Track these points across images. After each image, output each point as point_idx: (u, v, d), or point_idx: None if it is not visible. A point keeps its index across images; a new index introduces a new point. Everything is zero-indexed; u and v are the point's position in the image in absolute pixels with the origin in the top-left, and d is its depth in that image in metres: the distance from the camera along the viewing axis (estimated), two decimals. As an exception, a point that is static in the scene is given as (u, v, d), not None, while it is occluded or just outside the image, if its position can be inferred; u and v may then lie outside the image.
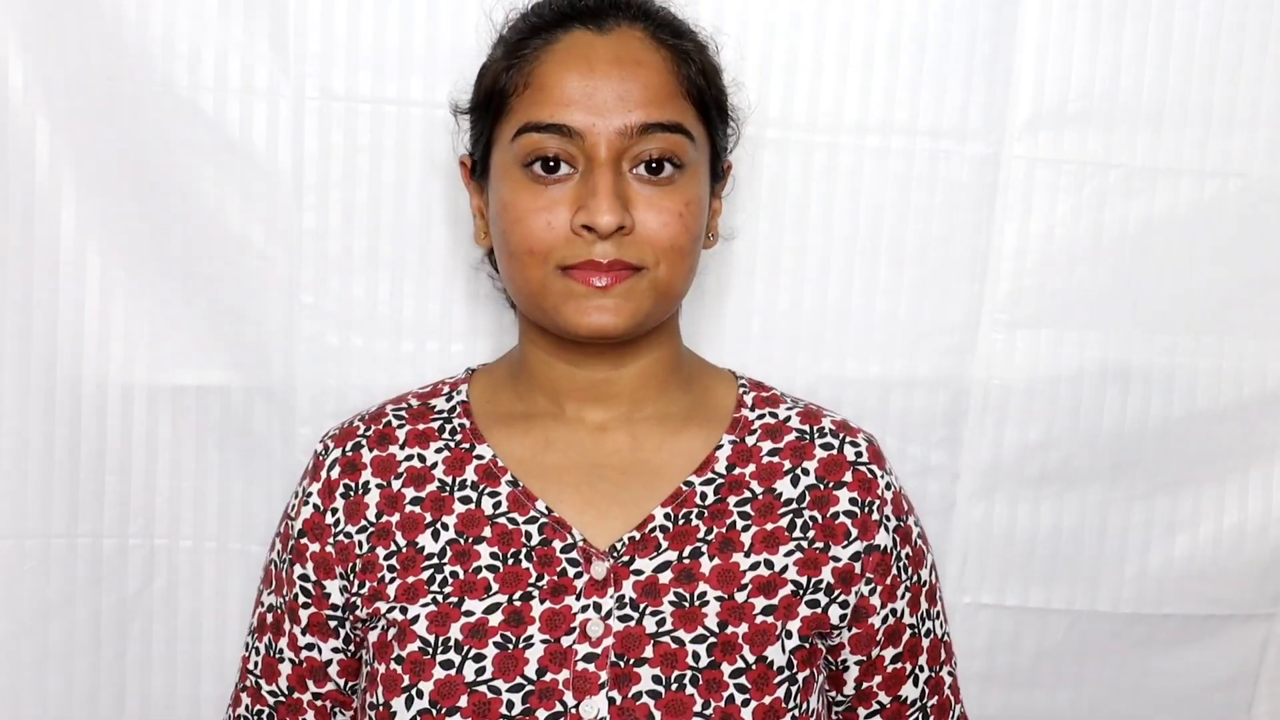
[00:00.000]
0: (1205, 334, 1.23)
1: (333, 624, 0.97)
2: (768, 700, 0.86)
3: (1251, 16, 1.18)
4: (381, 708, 0.89)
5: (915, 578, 0.98)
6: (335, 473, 0.98)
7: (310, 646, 0.98)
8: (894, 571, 0.96)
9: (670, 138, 0.90)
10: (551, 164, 0.89)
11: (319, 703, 0.99)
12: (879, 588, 0.95)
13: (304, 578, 0.97)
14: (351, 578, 0.95)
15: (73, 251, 1.16)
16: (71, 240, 1.15)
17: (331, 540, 0.96)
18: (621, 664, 0.86)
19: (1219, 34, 1.18)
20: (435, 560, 0.93)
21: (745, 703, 0.86)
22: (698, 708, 0.85)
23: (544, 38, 0.93)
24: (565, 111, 0.89)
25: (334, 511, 0.97)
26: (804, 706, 0.89)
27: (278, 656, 0.99)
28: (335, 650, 0.97)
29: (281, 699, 1.00)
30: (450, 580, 0.91)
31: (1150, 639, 1.28)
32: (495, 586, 0.90)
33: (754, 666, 0.87)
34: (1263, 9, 1.18)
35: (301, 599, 0.97)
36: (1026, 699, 1.29)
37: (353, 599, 0.95)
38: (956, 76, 1.19)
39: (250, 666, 1.02)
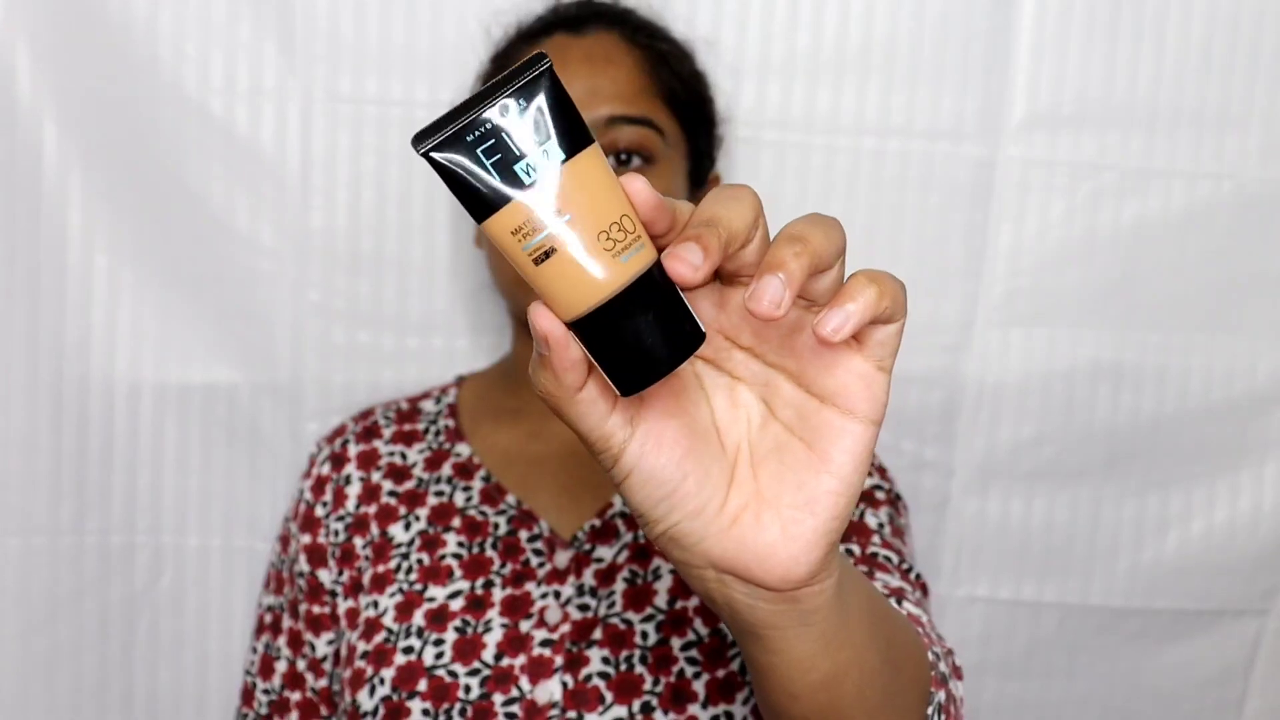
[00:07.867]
0: (1197, 333, 1.24)
1: (327, 618, 0.98)
2: (721, 674, 0.85)
3: (1244, 19, 1.19)
4: (350, 706, 0.90)
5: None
6: (325, 469, 1.01)
7: (308, 643, 0.99)
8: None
9: (639, 130, 0.93)
10: None
11: (311, 696, 1.00)
12: None
13: (300, 574, 0.99)
14: (333, 565, 0.97)
15: (80, 252, 1.16)
16: (79, 241, 1.16)
17: (323, 532, 0.99)
18: (574, 649, 0.87)
19: (1212, 36, 1.19)
20: (404, 549, 0.94)
21: (697, 675, 0.85)
22: (647, 685, 0.85)
23: (528, 43, 0.98)
24: None
25: (325, 505, 1.00)
26: None
27: (275, 654, 1.01)
28: (330, 644, 0.98)
29: (274, 697, 1.01)
30: (416, 567, 0.93)
31: (1142, 633, 1.29)
32: (459, 573, 0.92)
33: (706, 639, 0.87)
34: (1256, 11, 1.19)
35: (299, 595, 0.99)
36: (1019, 691, 1.30)
37: (335, 584, 0.97)
38: (952, 78, 1.19)
39: (248, 666, 1.04)
